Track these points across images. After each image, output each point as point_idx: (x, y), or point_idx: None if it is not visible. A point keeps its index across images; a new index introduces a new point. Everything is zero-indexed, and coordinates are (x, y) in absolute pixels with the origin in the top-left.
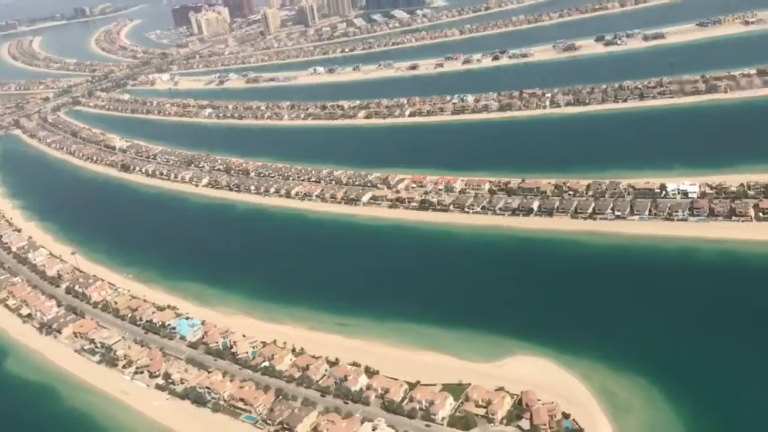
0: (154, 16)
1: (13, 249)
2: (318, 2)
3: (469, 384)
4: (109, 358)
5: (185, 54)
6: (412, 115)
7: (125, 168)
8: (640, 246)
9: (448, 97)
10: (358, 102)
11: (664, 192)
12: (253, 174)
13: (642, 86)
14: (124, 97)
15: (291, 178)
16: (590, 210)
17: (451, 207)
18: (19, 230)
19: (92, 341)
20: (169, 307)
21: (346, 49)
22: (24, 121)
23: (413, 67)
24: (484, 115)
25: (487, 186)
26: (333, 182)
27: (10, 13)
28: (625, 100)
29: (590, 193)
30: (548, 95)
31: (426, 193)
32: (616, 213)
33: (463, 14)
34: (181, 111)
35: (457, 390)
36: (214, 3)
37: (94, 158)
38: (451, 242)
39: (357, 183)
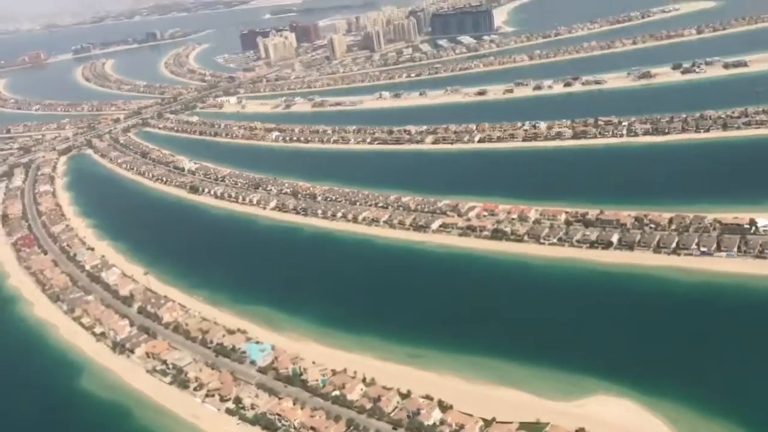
0: (222, 41)
1: (87, 267)
2: (384, 28)
3: (548, 423)
4: (180, 379)
5: (252, 78)
6: (481, 141)
7: (194, 190)
8: (728, 284)
9: (519, 124)
10: (425, 127)
11: (754, 228)
12: (320, 198)
13: (725, 116)
14: (192, 119)
15: (358, 203)
16: (674, 245)
17: (526, 237)
18: (92, 249)
19: (164, 362)
20: (239, 330)
21: (412, 74)
22: (96, 141)
23: (481, 93)
24: (557, 143)
25: (563, 216)
26: (401, 208)
27: (85, 37)
28: (707, 130)
29: (673, 227)
30: (624, 123)
31: (498, 222)
32: (702, 249)
33: (531, 40)
34: (248, 134)
35: (534, 429)
36: (282, 29)
37: (164, 179)
38: (526, 273)
39: (426, 209)
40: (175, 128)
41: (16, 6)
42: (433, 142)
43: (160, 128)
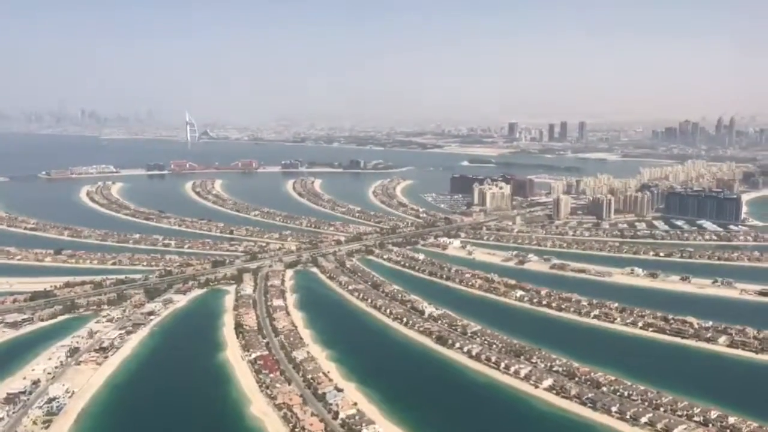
0: (425, 180)
1: (341, 416)
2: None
3: None
4: None
5: (470, 223)
6: None
7: (442, 341)
8: None
9: None
10: (711, 323)
11: None
12: (605, 389)
13: None
14: (419, 256)
15: (662, 409)
16: None
17: None
18: (341, 390)
19: None
20: None
21: (661, 253)
22: (321, 260)
23: (764, 293)
24: None
25: None
26: (719, 424)
27: (288, 153)
28: None
29: None
30: None
31: None
32: None
33: None
34: (486, 285)
35: None
36: (496, 179)
37: (404, 320)
38: None
39: None
40: (401, 262)
41: (227, 116)
42: (729, 345)
43: (384, 259)
